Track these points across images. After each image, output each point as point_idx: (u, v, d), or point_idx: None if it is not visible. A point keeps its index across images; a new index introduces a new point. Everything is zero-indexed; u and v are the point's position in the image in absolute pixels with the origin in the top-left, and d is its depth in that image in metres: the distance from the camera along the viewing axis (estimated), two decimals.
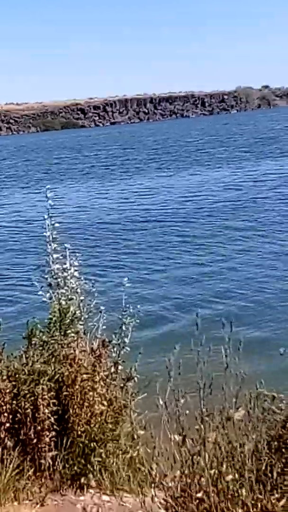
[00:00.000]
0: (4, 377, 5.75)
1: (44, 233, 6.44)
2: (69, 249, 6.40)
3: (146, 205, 33.75)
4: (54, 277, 6.34)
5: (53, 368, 5.88)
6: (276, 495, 4.40)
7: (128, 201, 36.04)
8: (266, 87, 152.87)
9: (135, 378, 6.11)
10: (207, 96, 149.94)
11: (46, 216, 6.46)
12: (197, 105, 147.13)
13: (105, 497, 5.30)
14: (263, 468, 4.69)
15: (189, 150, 66.20)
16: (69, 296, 6.26)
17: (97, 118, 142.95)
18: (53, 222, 6.47)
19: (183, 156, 60.65)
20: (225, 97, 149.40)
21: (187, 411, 4.92)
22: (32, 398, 5.68)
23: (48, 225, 6.41)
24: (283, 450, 4.75)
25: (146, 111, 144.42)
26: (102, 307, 6.45)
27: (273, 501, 4.31)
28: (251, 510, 4.31)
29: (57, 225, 6.43)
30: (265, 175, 41.75)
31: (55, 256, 6.32)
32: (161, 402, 5.20)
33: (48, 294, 6.36)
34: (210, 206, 31.32)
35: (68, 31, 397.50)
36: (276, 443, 4.84)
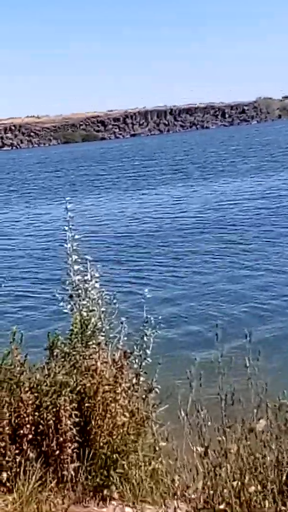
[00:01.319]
0: (27, 389, 5.76)
1: (65, 245, 6.44)
2: (90, 260, 6.40)
3: (169, 215, 33.87)
4: (75, 288, 6.34)
5: (75, 379, 5.88)
6: None
7: (151, 211, 36.09)
8: (287, 97, 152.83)
9: (157, 389, 6.09)
10: (227, 107, 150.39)
11: (66, 228, 6.46)
12: (217, 116, 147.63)
13: (127, 509, 5.29)
14: (285, 479, 4.67)
15: (213, 161, 66.22)
16: (90, 307, 6.25)
17: (117, 130, 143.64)
18: (73, 234, 6.47)
19: (208, 167, 60.72)
20: (245, 108, 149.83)
21: (209, 423, 4.91)
22: (54, 409, 5.69)
23: (69, 237, 6.40)
24: None
25: (166, 122, 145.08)
26: (123, 318, 6.44)
27: None
28: None
29: (77, 236, 6.42)
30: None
31: (76, 267, 6.31)
32: (182, 414, 5.20)
33: (69, 306, 6.36)
34: (233, 215, 31.40)
35: (68, 31, 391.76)
36: None
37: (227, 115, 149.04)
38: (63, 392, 5.73)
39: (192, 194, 41.85)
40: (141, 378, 6.16)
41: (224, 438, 4.81)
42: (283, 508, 4.39)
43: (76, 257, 6.35)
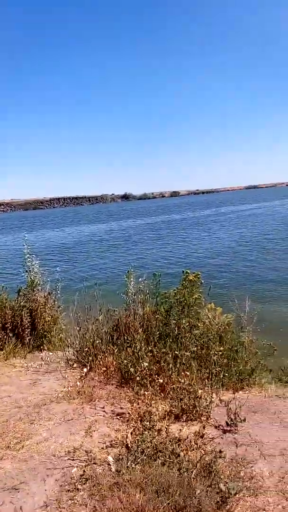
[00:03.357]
0: (8, 308, 5.54)
1: (24, 251, 6.18)
2: (34, 256, 6.16)
3: (80, 235, 32.96)
4: (29, 268, 6.10)
5: (29, 304, 5.71)
6: (115, 347, 4.48)
7: (77, 234, 34.75)
8: (113, 193, 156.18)
9: (61, 306, 6.00)
10: (92, 196, 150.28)
11: (24, 244, 6.18)
12: (87, 200, 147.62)
13: (50, 353, 5.20)
14: (111, 337, 4.77)
15: (90, 217, 65.02)
16: (34, 275, 6.06)
17: (47, 205, 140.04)
18: (28, 247, 6.17)
19: (90, 219, 59.48)
20: (98, 197, 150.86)
21: (81, 317, 4.92)
22: (20, 316, 5.51)
23: (26, 247, 6.12)
24: (118, 328, 4.84)
25: (67, 202, 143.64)
26: (49, 280, 6.26)
27: (115, 350, 4.38)
28: (106, 354, 4.37)
29: (28, 250, 6.12)
30: (121, 226, 41.71)
31: (28, 259, 6.08)
32: (71, 315, 5.18)
33: (26, 274, 6.13)
34: (109, 234, 31.23)
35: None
36: (115, 327, 4.93)
37: (91, 200, 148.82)
38: (24, 309, 5.55)
39: (83, 228, 41.06)
40: (56, 302, 6.05)
41: (86, 323, 4.83)
42: (110, 347, 4.46)
43: (28, 256, 6.11)
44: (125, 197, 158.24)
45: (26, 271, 6.13)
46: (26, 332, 5.53)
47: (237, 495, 2.39)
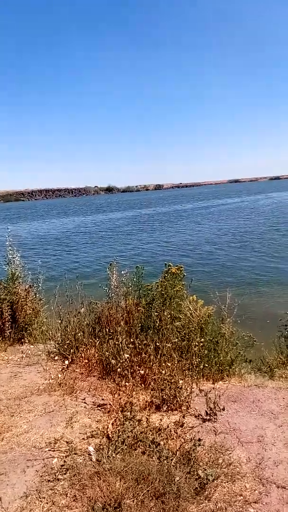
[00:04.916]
0: None
1: (7, 243, 6.07)
2: (16, 249, 6.07)
3: (75, 228, 32.55)
4: (10, 261, 6.01)
5: (9, 297, 5.64)
6: (97, 339, 4.49)
7: (61, 226, 34.44)
8: (96, 186, 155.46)
9: (43, 299, 5.95)
10: (75, 189, 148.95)
11: (7, 236, 6.06)
12: (69, 192, 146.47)
13: (31, 346, 5.16)
14: (93, 329, 4.77)
15: (74, 210, 64.20)
16: (16, 268, 5.98)
17: (29, 197, 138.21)
18: (11, 238, 6.06)
19: (74, 211, 58.76)
20: (81, 189, 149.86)
21: (62, 310, 4.89)
22: (1, 309, 5.44)
23: (8, 239, 6.01)
24: (100, 321, 4.84)
25: (49, 194, 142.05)
26: (30, 272, 6.19)
27: (96, 342, 4.39)
28: (87, 346, 4.37)
29: (10, 241, 6.03)
30: (106, 219, 41.40)
31: (10, 252, 5.99)
32: (52, 308, 5.15)
33: (7, 267, 6.04)
34: (94, 226, 30.79)
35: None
36: (97, 319, 4.93)
37: (74, 192, 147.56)
38: (4, 302, 5.48)
39: (67, 221, 40.59)
40: (37, 295, 5.99)
41: (68, 316, 4.80)
42: (92, 340, 4.45)
43: (10, 248, 6.01)
44: (109, 189, 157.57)
45: (7, 264, 6.05)
46: (7, 325, 5.46)
47: (215, 481, 2.45)
